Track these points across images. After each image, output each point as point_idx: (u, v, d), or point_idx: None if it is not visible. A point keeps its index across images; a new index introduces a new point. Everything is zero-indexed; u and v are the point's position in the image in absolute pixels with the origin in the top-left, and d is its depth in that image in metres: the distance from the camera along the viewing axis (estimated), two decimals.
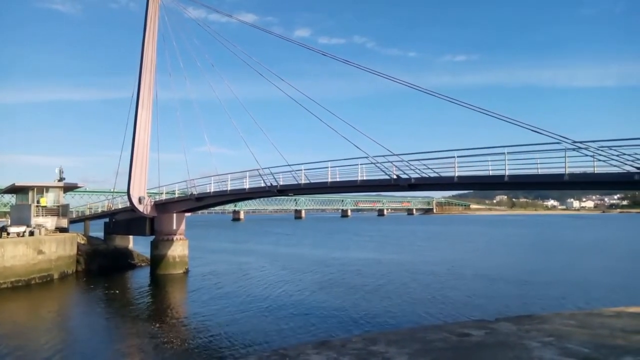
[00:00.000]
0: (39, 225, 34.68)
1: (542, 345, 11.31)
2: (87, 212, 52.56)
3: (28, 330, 19.81)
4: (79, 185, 45.68)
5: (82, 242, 38.79)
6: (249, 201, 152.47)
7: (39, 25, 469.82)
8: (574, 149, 17.28)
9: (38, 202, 37.62)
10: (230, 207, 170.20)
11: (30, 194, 38.15)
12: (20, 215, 37.16)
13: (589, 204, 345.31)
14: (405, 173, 22.66)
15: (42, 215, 37.13)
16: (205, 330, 19.46)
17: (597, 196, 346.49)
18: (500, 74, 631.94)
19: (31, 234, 32.71)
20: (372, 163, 24.01)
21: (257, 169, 31.29)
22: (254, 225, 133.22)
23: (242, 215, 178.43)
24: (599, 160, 16.78)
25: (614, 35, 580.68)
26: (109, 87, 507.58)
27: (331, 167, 26.46)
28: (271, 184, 29.91)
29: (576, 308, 21.25)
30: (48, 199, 38.41)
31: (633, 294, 26.22)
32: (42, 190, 38.43)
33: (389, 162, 23.24)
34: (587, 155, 17.12)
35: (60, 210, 38.50)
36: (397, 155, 23.07)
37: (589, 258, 46.76)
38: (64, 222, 38.26)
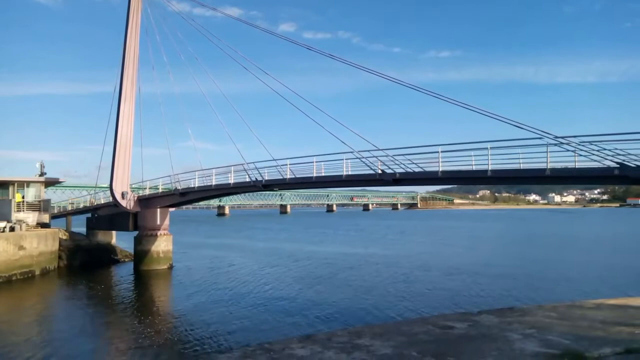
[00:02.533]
0: (19, 221, 34.10)
1: (524, 337, 11.51)
2: (69, 208, 51.90)
3: (8, 327, 19.52)
4: (60, 180, 44.98)
5: (64, 237, 38.27)
6: (234, 196, 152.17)
7: (18, 17, 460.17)
8: (555, 144, 17.51)
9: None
10: (215, 202, 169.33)
11: (10, 189, 37.44)
12: (1, 211, 36.48)
13: (570, 198, 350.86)
14: (390, 168, 22.76)
15: (23, 211, 36.53)
16: (190, 325, 19.38)
17: (578, 191, 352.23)
18: (483, 70, 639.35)
19: (12, 229, 32.14)
20: (357, 158, 24.09)
21: (242, 164, 31.18)
22: (239, 220, 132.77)
23: (227, 211, 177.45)
24: (580, 155, 17.04)
25: (594, 33, 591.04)
26: (91, 81, 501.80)
27: (316, 161, 26.46)
28: (256, 178, 29.81)
29: (557, 300, 21.60)
30: (29, 194, 37.76)
31: (612, 286, 26.77)
32: (22, 185, 37.77)
33: (373, 157, 23.34)
34: (568, 151, 17.36)
35: (42, 206, 37.88)
36: (382, 150, 23.18)
37: (569, 252, 47.56)
38: (46, 218, 37.66)
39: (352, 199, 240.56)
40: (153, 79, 40.65)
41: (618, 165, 16.07)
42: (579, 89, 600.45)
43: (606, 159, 16.38)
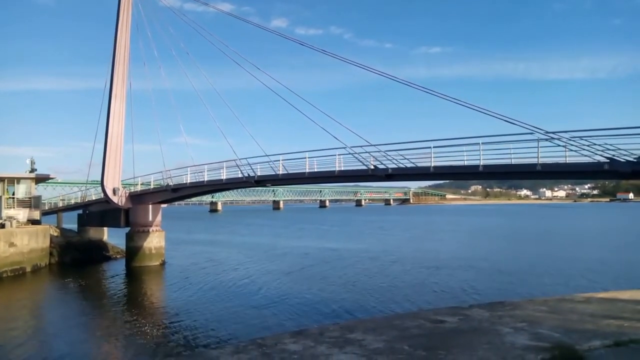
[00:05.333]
0: (10, 218, 33.83)
1: (515, 330, 11.60)
2: (60, 204, 51.46)
3: None
4: (51, 176, 44.65)
5: (55, 234, 38.02)
6: (227, 192, 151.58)
7: (5, 13, 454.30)
8: (546, 139, 17.59)
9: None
10: (207, 198, 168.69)
11: (0, 185, 37.13)
12: None
13: (561, 193, 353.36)
14: (382, 163, 22.79)
15: (14, 207, 36.22)
16: (182, 321, 19.36)
17: (569, 186, 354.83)
18: (475, 66, 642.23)
19: (2, 226, 31.89)
20: (350, 154, 24.10)
21: (235, 160, 31.10)
22: (232, 216, 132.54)
23: (219, 207, 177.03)
24: (571, 150, 17.13)
25: (584, 30, 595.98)
26: (81, 76, 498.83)
27: (309, 157, 26.46)
28: (249, 174, 29.76)
29: (547, 294, 21.78)
30: (19, 191, 37.42)
31: (602, 279, 27.06)
32: (12, 181, 37.43)
33: (366, 152, 23.36)
34: (559, 146, 17.46)
35: (32, 202, 37.56)
36: (374, 145, 23.21)
37: (558, 246, 47.91)
38: (36, 214, 37.36)
39: (355, 194, 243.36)
40: (144, 75, 40.31)
41: (608, 160, 16.20)
42: (569, 85, 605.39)
43: (596, 154, 16.50)
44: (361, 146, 23.56)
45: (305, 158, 26.61)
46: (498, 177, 23.14)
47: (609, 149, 16.15)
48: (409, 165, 22.00)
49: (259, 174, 29.49)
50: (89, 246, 39.42)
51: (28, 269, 31.46)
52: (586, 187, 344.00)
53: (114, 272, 33.60)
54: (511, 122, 18.84)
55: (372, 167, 23.10)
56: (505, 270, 31.63)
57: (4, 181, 37.11)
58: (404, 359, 9.60)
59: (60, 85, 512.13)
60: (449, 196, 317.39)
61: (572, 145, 16.97)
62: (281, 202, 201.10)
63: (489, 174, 21.29)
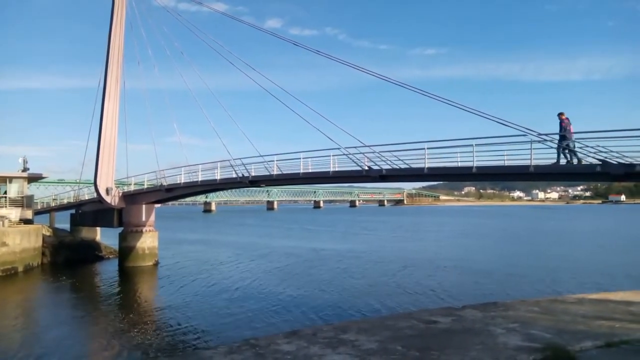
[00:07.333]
0: (1, 217, 33.60)
1: (507, 331, 11.66)
2: (53, 203, 51.18)
3: None
4: (43, 175, 44.38)
5: (48, 234, 37.79)
6: (221, 192, 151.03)
7: (1, 11, 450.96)
8: (539, 141, 17.65)
9: None
10: (201, 199, 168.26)
11: None
12: None
13: (554, 195, 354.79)
14: (376, 164, 22.82)
15: (6, 207, 35.98)
16: (176, 322, 19.30)
17: (562, 187, 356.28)
18: (469, 68, 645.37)
19: None
20: (344, 154, 24.09)
21: (229, 160, 31.02)
22: (226, 216, 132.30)
23: (213, 207, 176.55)
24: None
25: (578, 31, 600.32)
26: (75, 75, 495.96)
27: (303, 158, 26.42)
28: (243, 174, 29.71)
29: (540, 295, 21.88)
30: (12, 190, 37.19)
31: (593, 281, 27.19)
32: (5, 180, 37.17)
33: (360, 153, 23.37)
34: (552, 148, 17.56)
35: (25, 201, 37.33)
36: (368, 146, 23.23)
37: (550, 247, 48.13)
38: (29, 214, 37.13)
39: (357, 195, 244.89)
40: (138, 74, 40.10)
41: (600, 162, 16.29)
42: (564, 87, 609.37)
43: (589, 156, 16.60)
44: (355, 147, 23.58)
45: (299, 159, 26.58)
46: (491, 178, 23.24)
47: (601, 151, 16.22)
48: (403, 166, 22.04)
49: (253, 174, 29.44)
50: (82, 246, 39.21)
51: (20, 269, 31.24)
52: (579, 189, 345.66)
53: (107, 272, 33.44)
54: (504, 124, 18.88)
55: (366, 167, 23.14)
56: (498, 270, 31.73)
57: None
58: (397, 359, 9.62)
59: (54, 85, 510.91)
60: (442, 197, 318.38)
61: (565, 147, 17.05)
62: (275, 203, 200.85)
63: (482, 175, 21.36)
